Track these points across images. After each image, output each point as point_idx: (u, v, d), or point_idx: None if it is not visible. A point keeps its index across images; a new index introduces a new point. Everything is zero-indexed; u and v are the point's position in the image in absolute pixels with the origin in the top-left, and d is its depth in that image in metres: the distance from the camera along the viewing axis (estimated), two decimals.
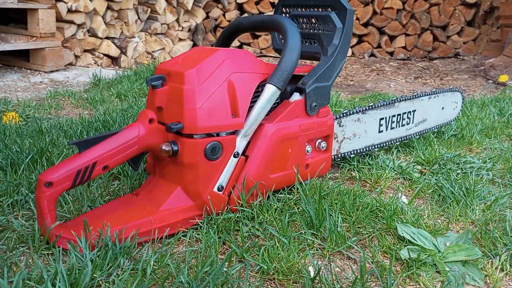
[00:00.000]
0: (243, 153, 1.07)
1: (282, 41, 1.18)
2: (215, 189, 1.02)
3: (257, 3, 5.55)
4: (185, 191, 1.01)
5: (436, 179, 1.31)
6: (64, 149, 1.36)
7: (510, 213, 1.11)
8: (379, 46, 5.76)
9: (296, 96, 1.15)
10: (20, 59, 3.37)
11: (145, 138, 0.97)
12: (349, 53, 5.69)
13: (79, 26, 3.65)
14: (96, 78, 2.89)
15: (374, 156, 1.47)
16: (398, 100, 1.48)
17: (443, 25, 5.71)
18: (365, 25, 5.66)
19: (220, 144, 1.00)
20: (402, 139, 1.54)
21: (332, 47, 1.17)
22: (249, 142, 1.08)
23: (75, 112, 2.21)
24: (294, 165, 1.15)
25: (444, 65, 5.39)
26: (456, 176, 1.35)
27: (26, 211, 1.02)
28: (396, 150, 1.56)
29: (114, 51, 3.97)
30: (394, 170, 1.37)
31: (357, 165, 1.40)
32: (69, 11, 3.52)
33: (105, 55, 3.95)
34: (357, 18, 5.61)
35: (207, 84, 0.98)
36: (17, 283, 0.70)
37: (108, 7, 3.90)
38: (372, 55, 5.78)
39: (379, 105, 1.43)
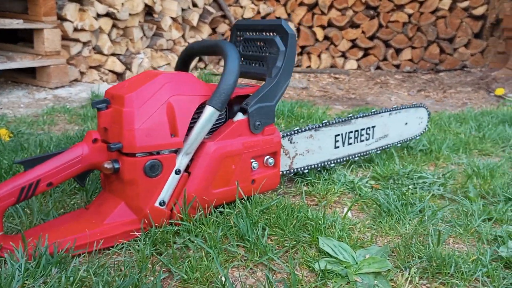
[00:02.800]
0: (187, 170, 1.15)
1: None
2: (157, 204, 1.10)
3: (263, 18, 5.66)
4: (128, 205, 1.09)
5: (385, 194, 1.36)
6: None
7: (438, 227, 1.15)
8: (385, 59, 5.78)
9: (239, 116, 1.22)
10: (27, 76, 3.55)
11: (88, 157, 1.06)
12: (355, 66, 5.74)
13: (85, 44, 3.82)
14: (94, 94, 3.02)
15: (332, 170, 1.53)
16: (355, 117, 1.54)
17: (449, 38, 5.70)
18: (371, 38, 5.70)
19: (160, 162, 1.08)
20: (362, 154, 1.59)
21: (276, 69, 1.25)
22: (192, 159, 1.15)
23: (67, 128, 2.33)
24: (239, 181, 1.22)
25: (450, 78, 5.38)
26: (406, 191, 1.39)
27: None
28: (356, 164, 1.61)
29: (119, 67, 4.11)
30: (345, 185, 1.42)
31: (312, 179, 1.45)
32: (75, 29, 3.68)
33: (110, 71, 4.10)
34: (362, 32, 5.66)
35: (146, 107, 1.06)
36: None
37: (114, 25, 4.06)
38: (378, 67, 5.81)
39: (334, 122, 1.49)
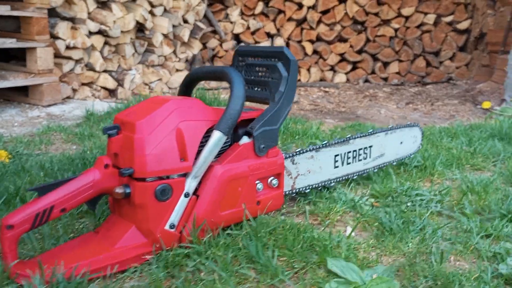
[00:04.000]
0: (195, 193, 1.17)
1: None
2: (167, 227, 1.12)
3: (253, 33, 5.74)
4: (139, 229, 1.11)
5: (385, 212, 1.40)
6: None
7: (440, 245, 1.20)
8: (373, 72, 5.89)
9: (245, 139, 1.26)
10: (20, 94, 3.54)
11: (100, 182, 1.08)
12: (344, 79, 5.84)
13: (77, 61, 3.83)
14: (89, 113, 3.03)
15: (332, 189, 1.56)
16: (353, 137, 1.58)
17: (435, 51, 5.84)
18: (359, 52, 5.80)
19: (170, 186, 1.11)
20: (360, 173, 1.64)
21: (279, 94, 1.29)
22: (200, 182, 1.18)
23: (64, 147, 2.33)
24: (245, 202, 1.25)
25: (436, 90, 5.50)
26: (405, 209, 1.44)
27: None
28: (354, 182, 1.66)
29: (111, 84, 4.13)
30: (346, 203, 1.46)
31: (314, 199, 1.49)
32: (67, 47, 3.70)
33: (102, 87, 4.12)
34: (351, 46, 5.77)
35: (156, 133, 1.09)
36: None
37: (106, 42, 4.08)
38: (366, 81, 5.92)
39: (333, 142, 1.53)
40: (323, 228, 1.30)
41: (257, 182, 1.29)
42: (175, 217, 1.13)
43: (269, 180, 1.33)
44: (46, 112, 3.42)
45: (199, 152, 1.16)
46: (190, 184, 1.15)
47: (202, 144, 1.17)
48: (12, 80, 3.27)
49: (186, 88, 1.44)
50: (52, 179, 1.60)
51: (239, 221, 1.24)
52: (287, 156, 1.41)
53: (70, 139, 2.47)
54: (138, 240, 1.11)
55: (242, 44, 5.72)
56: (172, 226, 1.13)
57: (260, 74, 1.38)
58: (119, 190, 1.08)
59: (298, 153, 1.44)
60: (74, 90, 3.84)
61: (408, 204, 1.48)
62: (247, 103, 1.38)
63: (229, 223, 1.23)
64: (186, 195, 1.14)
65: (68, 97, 3.80)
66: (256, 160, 1.27)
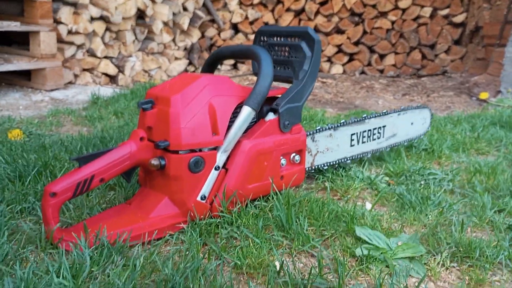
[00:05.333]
0: (224, 166, 1.22)
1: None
2: (199, 198, 1.17)
3: (251, 23, 5.76)
4: (172, 200, 1.16)
5: (400, 189, 1.46)
6: (65, 163, 1.51)
7: (458, 217, 1.26)
8: (369, 64, 5.96)
9: (270, 116, 1.30)
10: (22, 78, 3.54)
11: (136, 154, 1.12)
12: (341, 70, 5.89)
13: (79, 46, 3.83)
14: (95, 97, 3.05)
15: (347, 168, 1.62)
16: (368, 117, 1.64)
17: (431, 44, 5.91)
18: (356, 43, 5.86)
19: (202, 159, 1.15)
20: (373, 152, 1.69)
21: (303, 73, 1.34)
22: (229, 156, 1.23)
23: (74, 129, 2.36)
24: (270, 177, 1.29)
25: (432, 82, 5.58)
26: (419, 186, 1.50)
27: (33, 217, 1.17)
28: (368, 162, 1.71)
29: (112, 70, 4.13)
30: (363, 181, 1.51)
31: (331, 176, 1.54)
32: (69, 32, 3.70)
33: (103, 73, 4.12)
34: (348, 37, 5.82)
35: (190, 107, 1.13)
36: (28, 274, 0.84)
37: (107, 29, 4.08)
38: (363, 72, 5.98)
39: (350, 121, 1.58)
40: (344, 202, 1.35)
41: (281, 157, 1.33)
42: (206, 188, 1.18)
43: (292, 156, 1.37)
44: (49, 97, 3.42)
45: (229, 127, 1.20)
46: (220, 158, 1.19)
47: (232, 120, 1.21)
48: (16, 63, 3.27)
49: (209, 67, 1.47)
50: (74, 155, 1.63)
51: (265, 194, 1.29)
52: (308, 133, 1.46)
53: (79, 121, 2.49)
54: (171, 210, 1.15)
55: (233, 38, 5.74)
56: (203, 197, 1.17)
57: (282, 53, 1.42)
58: (154, 161, 1.11)
59: (318, 131, 1.49)
60: (76, 76, 3.84)
61: (422, 182, 1.54)
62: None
63: (256, 196, 1.28)
64: (217, 168, 1.19)
65: (70, 82, 3.80)
66: (281, 136, 1.32)
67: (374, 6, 5.78)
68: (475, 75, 5.22)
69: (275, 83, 1.50)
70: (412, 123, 1.82)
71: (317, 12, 5.75)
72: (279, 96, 1.34)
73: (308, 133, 1.46)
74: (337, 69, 5.91)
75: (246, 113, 1.20)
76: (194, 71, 5.15)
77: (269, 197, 1.28)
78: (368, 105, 4.50)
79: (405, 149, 1.91)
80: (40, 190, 1.26)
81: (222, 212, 1.18)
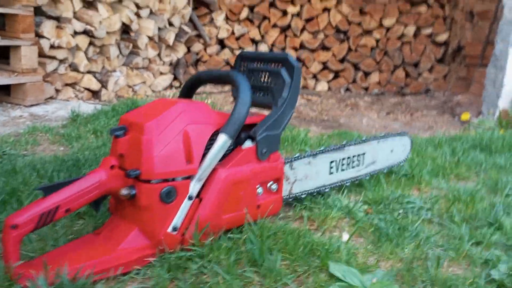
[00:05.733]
0: (198, 196, 1.18)
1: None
2: (170, 230, 1.13)
3: (237, 39, 5.77)
4: (142, 231, 1.12)
5: (378, 219, 1.44)
6: (35, 190, 1.46)
7: (435, 251, 1.24)
8: (354, 81, 6.00)
9: (248, 143, 1.28)
10: (1, 94, 3.47)
11: (106, 183, 1.08)
12: (326, 87, 5.92)
13: (61, 61, 3.78)
14: (75, 114, 3.00)
15: (326, 195, 1.59)
16: (348, 144, 1.62)
17: (415, 63, 5.98)
18: (341, 61, 5.90)
19: (175, 188, 1.12)
20: (353, 180, 1.67)
21: (282, 100, 1.32)
22: (204, 185, 1.19)
23: (51, 149, 2.30)
24: (246, 206, 1.26)
25: (415, 101, 5.63)
26: (397, 216, 1.48)
27: None
28: (347, 190, 1.69)
29: (95, 85, 4.09)
30: (341, 210, 1.49)
31: (309, 204, 1.52)
32: (52, 47, 3.64)
33: (86, 89, 4.06)
34: (333, 54, 5.86)
35: (164, 135, 1.10)
36: None
37: (91, 43, 4.04)
38: (348, 89, 6.01)
39: (330, 149, 1.56)
40: (321, 233, 1.33)
41: (257, 186, 1.30)
42: (178, 219, 1.14)
43: (269, 184, 1.35)
44: (29, 112, 3.36)
45: (204, 155, 1.17)
46: (194, 187, 1.16)
47: (208, 147, 1.18)
48: None
49: (189, 91, 1.44)
50: (46, 180, 1.58)
51: (240, 224, 1.26)
52: (286, 161, 1.44)
53: (56, 140, 2.44)
54: (141, 242, 1.11)
55: (219, 53, 5.74)
56: (174, 229, 1.14)
57: (262, 79, 1.39)
58: (125, 191, 1.08)
59: (296, 158, 1.46)
60: (57, 91, 3.78)
61: (400, 211, 1.53)
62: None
63: (231, 227, 1.24)
64: (190, 198, 1.15)
65: (51, 97, 3.74)
66: (258, 164, 1.29)
67: (359, 24, 5.85)
68: (457, 94, 5.28)
69: (255, 109, 1.48)
70: (392, 150, 1.81)
71: (303, 29, 5.79)
72: (258, 123, 1.32)
73: (287, 161, 1.44)
74: (322, 86, 5.94)
75: (222, 141, 1.18)
76: (179, 86, 5.12)
77: (244, 228, 1.24)
78: (352, 123, 4.52)
79: (385, 174, 1.89)
80: (2, 221, 1.20)
81: (193, 244, 1.14)
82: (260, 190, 1.31)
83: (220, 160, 1.22)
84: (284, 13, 5.70)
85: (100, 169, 1.09)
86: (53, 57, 3.68)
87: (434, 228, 1.44)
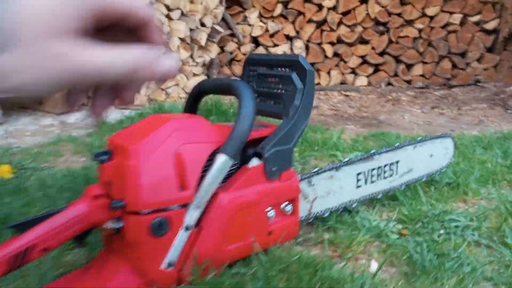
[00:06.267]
0: (198, 224, 1.04)
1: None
2: (164, 266, 0.99)
3: (271, 36, 5.60)
4: (133, 268, 0.98)
5: (414, 243, 1.24)
6: (39, 210, 1.37)
7: (482, 286, 1.04)
8: (396, 75, 5.68)
9: (254, 162, 1.11)
10: (33, 103, 3.48)
11: (89, 216, 0.95)
12: (365, 82, 5.63)
13: None
14: (100, 121, 2.94)
15: (354, 212, 1.41)
16: (377, 152, 1.43)
17: (461, 52, 5.59)
18: (381, 54, 5.60)
19: (167, 219, 0.97)
20: (386, 191, 1.48)
21: (293, 108, 1.14)
22: (204, 212, 1.04)
23: (72, 160, 2.24)
24: (254, 233, 1.10)
25: (463, 93, 5.26)
26: (437, 237, 1.27)
27: None
28: (379, 204, 1.50)
29: None
30: (371, 231, 1.30)
31: (334, 224, 1.34)
32: None
33: None
34: (372, 48, 5.57)
35: (153, 159, 0.96)
36: None
37: None
38: (389, 83, 5.70)
39: (355, 160, 1.37)
40: (344, 264, 1.15)
41: (268, 209, 1.14)
42: (173, 254, 0.99)
43: (283, 206, 1.18)
44: (59, 120, 3.35)
45: (203, 178, 1.02)
46: (191, 216, 1.01)
47: (206, 169, 1.03)
48: None
49: (193, 103, 1.30)
50: (51, 200, 1.49)
51: (247, 254, 1.10)
52: (303, 177, 1.26)
53: (79, 150, 2.37)
54: (132, 280, 0.98)
55: (255, 52, 5.59)
56: (170, 265, 0.99)
57: (273, 85, 1.22)
58: (109, 225, 0.95)
59: (315, 173, 1.29)
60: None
61: (441, 231, 1.32)
62: (260, 118, 1.24)
63: (236, 258, 1.09)
64: (187, 229, 1.01)
65: (83, 104, 3.72)
66: (268, 185, 1.13)
67: (399, 14, 5.51)
68: (510, 85, 4.87)
69: (267, 119, 1.32)
70: (431, 155, 1.59)
71: (340, 22, 5.53)
72: (266, 136, 1.15)
73: (303, 177, 1.26)
74: (361, 81, 5.67)
75: (221, 162, 1.02)
76: None
77: (253, 259, 1.08)
78: (393, 120, 4.25)
79: (425, 183, 1.67)
80: None
81: (192, 282, 1.00)
82: (272, 213, 1.15)
83: (223, 182, 1.07)
84: (320, 7, 5.46)
85: (82, 199, 0.96)
86: None
87: (482, 253, 1.22)
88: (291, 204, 1.19)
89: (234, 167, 1.12)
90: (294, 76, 1.15)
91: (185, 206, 1.00)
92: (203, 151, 1.03)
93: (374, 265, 1.14)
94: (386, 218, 1.42)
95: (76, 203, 0.95)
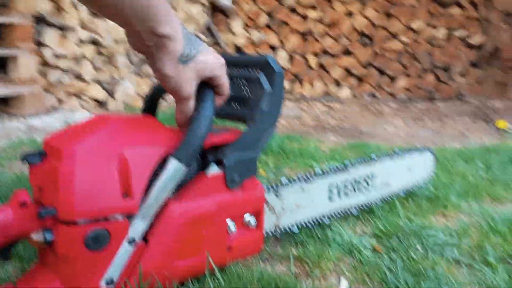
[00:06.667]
0: (145, 237, 0.91)
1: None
2: (103, 283, 0.86)
3: (256, 45, 5.52)
4: (65, 285, 0.85)
5: (389, 259, 1.13)
6: None
7: None
8: (380, 87, 5.64)
9: (213, 168, 1.00)
10: (0, 104, 3.32)
11: (13, 226, 0.82)
12: (349, 93, 5.58)
13: (65, 70, 3.61)
14: (67, 124, 2.80)
15: (326, 226, 1.30)
16: (352, 164, 1.32)
17: (446, 67, 5.58)
18: (365, 66, 5.56)
19: (107, 231, 0.84)
20: (360, 206, 1.37)
21: (259, 113, 1.02)
22: (153, 224, 0.92)
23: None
24: (210, 248, 0.98)
25: (446, 107, 5.23)
26: (414, 254, 1.17)
27: None
28: (354, 217, 1.39)
29: (101, 95, 3.91)
30: (342, 246, 1.19)
31: (303, 238, 1.23)
32: (56, 56, 3.48)
33: (92, 98, 3.89)
34: (357, 60, 5.52)
35: (91, 161, 0.83)
36: None
37: (99, 52, 3.87)
38: (373, 95, 5.66)
39: (328, 171, 1.27)
40: (310, 282, 1.03)
41: (228, 222, 1.02)
42: (114, 270, 0.87)
43: (245, 218, 1.06)
44: (26, 124, 3.19)
45: (151, 185, 0.90)
46: (136, 228, 0.88)
47: (156, 176, 0.91)
48: None
49: (152, 103, 1.18)
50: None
51: (202, 272, 0.98)
52: (269, 187, 1.15)
53: None
54: None
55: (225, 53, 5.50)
56: (109, 282, 0.86)
57: (239, 88, 1.10)
58: (36, 236, 0.82)
59: (282, 184, 1.18)
60: (61, 101, 3.61)
61: (419, 247, 1.21)
62: (228, 123, 1.13)
63: (188, 276, 0.97)
64: (131, 242, 0.88)
65: (54, 108, 3.57)
66: (228, 195, 1.01)
67: (384, 27, 5.49)
68: (492, 99, 4.85)
69: (231, 124, 1.20)
70: (409, 169, 1.50)
71: (325, 34, 5.48)
72: (228, 143, 1.03)
73: (269, 187, 1.15)
74: (345, 92, 5.61)
75: (173, 168, 0.90)
76: None
77: (208, 278, 0.97)
78: (375, 132, 4.18)
79: (403, 197, 1.58)
80: None
81: None
82: (232, 226, 1.03)
83: (175, 191, 0.95)
84: (305, 18, 5.41)
85: (5, 207, 0.83)
86: (57, 67, 3.52)
87: (462, 273, 1.12)
88: (254, 217, 1.07)
89: (190, 174, 1.00)
90: (262, 77, 1.03)
91: (129, 216, 0.88)
92: (152, 155, 0.91)
93: (344, 284, 1.03)
94: (360, 233, 1.31)
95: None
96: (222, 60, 0.96)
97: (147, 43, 0.84)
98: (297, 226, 1.22)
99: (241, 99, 1.09)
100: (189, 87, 0.90)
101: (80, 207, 0.81)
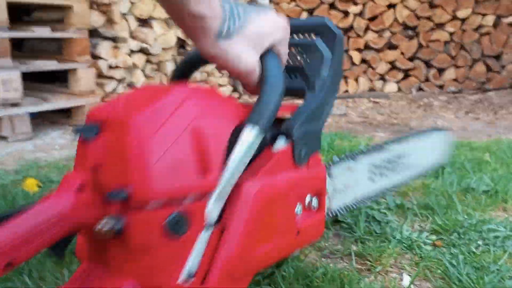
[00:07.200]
0: (218, 222, 0.80)
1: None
2: (183, 278, 0.80)
3: None
4: (140, 283, 0.73)
5: (450, 254, 1.16)
6: None
7: None
8: (427, 80, 5.52)
9: (281, 143, 0.90)
10: (63, 116, 3.54)
11: (71, 215, 0.66)
12: (395, 88, 5.50)
13: (120, 80, 3.80)
14: None
15: (383, 221, 1.33)
16: (389, 142, 1.35)
17: (496, 55, 5.39)
18: (411, 59, 5.46)
19: (186, 215, 0.72)
20: (398, 186, 1.40)
21: (320, 81, 0.94)
22: (224, 207, 0.80)
23: None
24: (283, 234, 0.90)
25: (499, 97, 5.06)
26: (475, 249, 1.18)
27: None
28: (411, 213, 1.41)
29: None
30: (401, 242, 1.22)
31: (361, 235, 1.27)
32: (110, 67, 3.67)
33: None
34: (401, 53, 5.44)
35: (162, 134, 0.70)
36: None
37: (148, 60, 4.04)
38: (420, 89, 5.55)
39: (370, 149, 1.30)
40: (373, 277, 1.07)
41: (295, 204, 0.93)
42: (194, 261, 0.77)
43: (308, 200, 0.95)
44: None
45: (223, 163, 0.78)
46: (213, 210, 0.77)
47: (227, 151, 0.80)
48: (54, 102, 3.27)
49: (184, 73, 1.04)
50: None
51: (277, 260, 0.92)
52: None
53: None
54: None
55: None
56: (190, 275, 0.78)
57: (292, 57, 0.99)
58: (104, 226, 0.66)
59: (335, 162, 1.19)
60: None
61: (479, 242, 1.23)
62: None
63: (265, 266, 0.91)
64: (209, 227, 0.77)
65: None
66: (296, 173, 0.91)
67: (429, 18, 5.37)
68: None
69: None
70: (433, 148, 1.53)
71: (367, 28, 5.44)
72: (289, 115, 0.93)
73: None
74: (391, 87, 5.54)
75: (252, 136, 0.79)
76: (239, 97, 4.99)
77: (275, 269, 1.03)
78: (425, 126, 4.12)
79: (461, 192, 1.58)
80: None
81: None
82: (298, 209, 0.93)
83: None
84: (346, 14, 5.38)
85: (59, 192, 0.67)
86: (111, 77, 3.71)
87: None
88: (317, 198, 0.97)
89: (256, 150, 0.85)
90: (319, 43, 0.95)
91: (204, 197, 0.75)
92: (224, 127, 0.79)
93: (406, 279, 1.07)
94: (418, 229, 1.34)
95: (52, 198, 0.67)
96: (281, 23, 0.85)
97: (186, 24, 0.77)
98: (345, 209, 1.21)
99: (295, 69, 0.99)
100: (243, 61, 0.81)
101: (159, 187, 0.68)
